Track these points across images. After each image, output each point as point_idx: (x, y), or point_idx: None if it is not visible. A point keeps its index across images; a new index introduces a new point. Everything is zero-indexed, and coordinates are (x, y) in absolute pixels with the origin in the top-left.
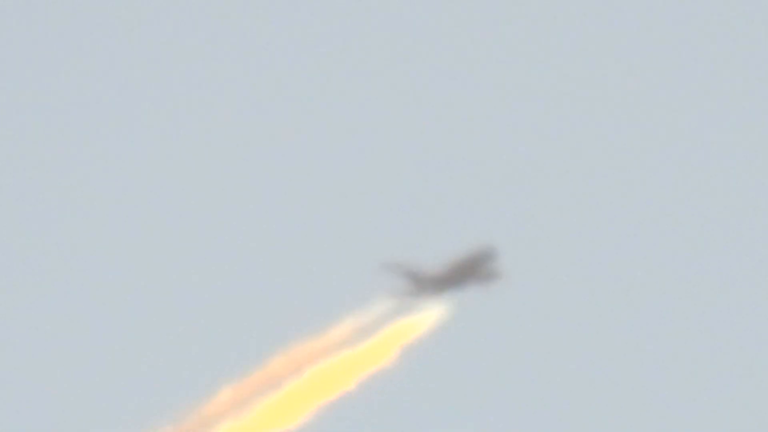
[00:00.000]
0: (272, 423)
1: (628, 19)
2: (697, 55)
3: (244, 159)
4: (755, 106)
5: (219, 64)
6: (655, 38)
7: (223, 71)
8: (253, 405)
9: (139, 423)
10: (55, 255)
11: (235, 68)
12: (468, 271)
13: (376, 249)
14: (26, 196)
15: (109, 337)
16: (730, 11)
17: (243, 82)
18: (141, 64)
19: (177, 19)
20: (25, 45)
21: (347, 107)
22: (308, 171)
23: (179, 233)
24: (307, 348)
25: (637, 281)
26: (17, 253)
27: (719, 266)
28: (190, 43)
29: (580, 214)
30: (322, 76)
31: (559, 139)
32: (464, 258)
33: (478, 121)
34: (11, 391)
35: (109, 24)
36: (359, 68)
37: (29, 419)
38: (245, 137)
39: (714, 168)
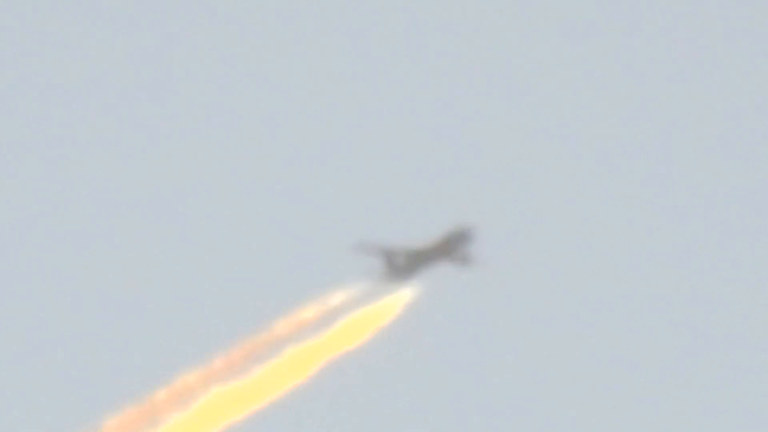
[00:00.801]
0: (243, 404)
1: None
2: (694, 55)
3: (216, 141)
4: (754, 105)
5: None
6: (643, 32)
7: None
8: (227, 383)
9: (107, 404)
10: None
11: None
12: (443, 252)
13: (350, 229)
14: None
15: (72, 315)
16: (730, 11)
17: (217, 60)
18: None
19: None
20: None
21: (323, 88)
22: (284, 152)
23: (151, 216)
24: (280, 328)
25: (614, 266)
26: None
27: (697, 246)
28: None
29: (559, 197)
30: (297, 54)
31: (538, 122)
32: (440, 238)
33: (456, 101)
34: None
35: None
36: (334, 47)
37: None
38: (220, 118)
39: (695, 145)
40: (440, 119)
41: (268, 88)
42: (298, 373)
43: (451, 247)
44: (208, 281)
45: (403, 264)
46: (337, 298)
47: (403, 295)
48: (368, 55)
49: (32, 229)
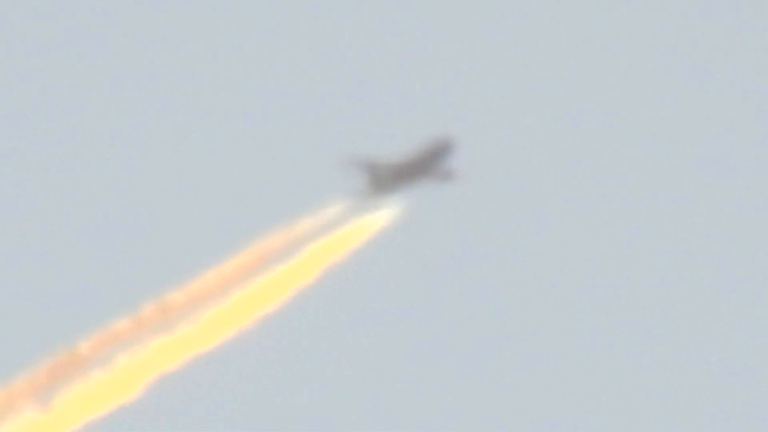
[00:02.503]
0: (230, 322)
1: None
2: (691, 54)
3: (199, 64)
4: (751, 106)
5: None
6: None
7: None
8: (216, 301)
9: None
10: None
11: None
12: (426, 165)
13: (333, 144)
14: None
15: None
16: (730, 11)
17: None
18: None
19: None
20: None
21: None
22: (266, 68)
23: (134, 135)
24: (266, 245)
25: (598, 173)
26: None
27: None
28: None
29: (539, 107)
30: None
31: (519, 32)
32: (422, 151)
33: (437, 12)
34: None
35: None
36: None
37: None
38: (203, 40)
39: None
40: (420, 31)
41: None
42: (283, 289)
43: (433, 160)
44: (191, 199)
45: (387, 178)
46: (320, 213)
47: (386, 210)
48: None
49: None
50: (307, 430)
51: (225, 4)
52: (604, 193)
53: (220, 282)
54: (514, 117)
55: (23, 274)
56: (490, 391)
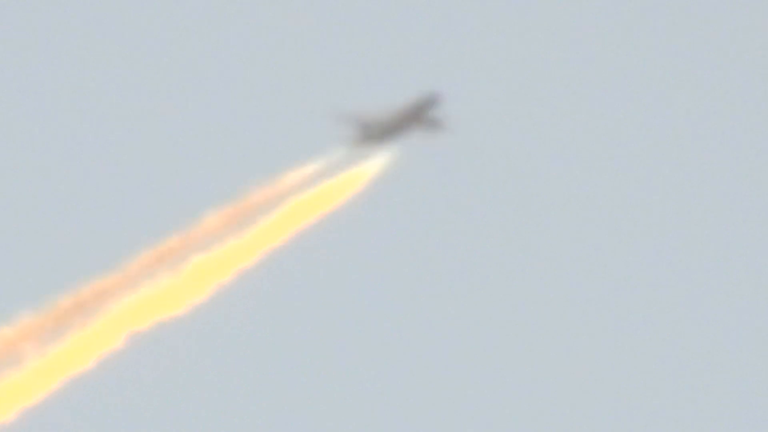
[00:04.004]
0: (228, 267)
1: None
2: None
3: (186, 17)
4: (751, 106)
5: None
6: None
7: None
8: (209, 249)
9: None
10: None
11: None
12: (414, 117)
13: (323, 97)
14: None
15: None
16: (729, 11)
17: None
18: None
19: None
20: None
21: None
22: (255, 22)
23: (122, 85)
24: (259, 195)
25: (586, 118)
26: None
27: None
28: None
29: (525, 59)
30: None
31: None
32: (410, 104)
33: None
34: None
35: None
36: None
37: None
38: None
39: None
40: None
41: None
42: (275, 237)
43: (421, 112)
44: (183, 151)
45: (376, 130)
46: (312, 164)
47: (377, 160)
48: None
49: None
50: (303, 368)
51: None
52: (582, 132)
53: (206, 235)
54: (499, 71)
55: None
56: (483, 339)
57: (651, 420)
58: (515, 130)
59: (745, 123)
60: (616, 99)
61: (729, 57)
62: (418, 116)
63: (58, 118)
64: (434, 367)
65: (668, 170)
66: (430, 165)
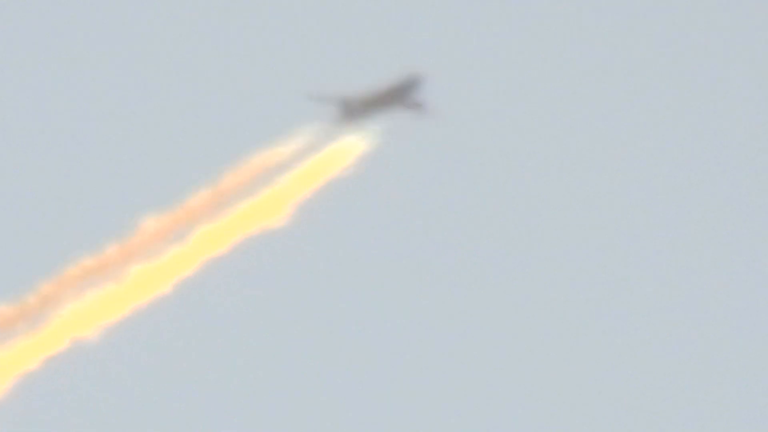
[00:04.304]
0: (222, 241)
1: None
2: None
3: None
4: (751, 106)
5: None
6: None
7: None
8: (203, 224)
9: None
10: None
11: None
12: (395, 98)
13: (303, 77)
14: None
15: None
16: (730, 11)
17: None
18: None
19: None
20: None
21: None
22: (239, 4)
23: (110, 65)
24: (238, 175)
25: (569, 102)
26: None
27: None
28: None
29: (509, 43)
30: None
31: None
32: (391, 84)
33: None
34: None
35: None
36: None
37: None
38: None
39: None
40: None
41: None
42: (267, 214)
43: (403, 93)
44: (164, 128)
45: (357, 111)
46: (293, 143)
47: (357, 140)
48: None
49: None
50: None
51: None
52: (566, 114)
53: (192, 214)
54: (483, 54)
55: None
56: (470, 328)
57: (651, 420)
58: (499, 114)
59: (745, 123)
60: (603, 80)
61: (729, 57)
62: (400, 98)
63: None
64: (418, 355)
65: (654, 150)
66: (410, 149)
